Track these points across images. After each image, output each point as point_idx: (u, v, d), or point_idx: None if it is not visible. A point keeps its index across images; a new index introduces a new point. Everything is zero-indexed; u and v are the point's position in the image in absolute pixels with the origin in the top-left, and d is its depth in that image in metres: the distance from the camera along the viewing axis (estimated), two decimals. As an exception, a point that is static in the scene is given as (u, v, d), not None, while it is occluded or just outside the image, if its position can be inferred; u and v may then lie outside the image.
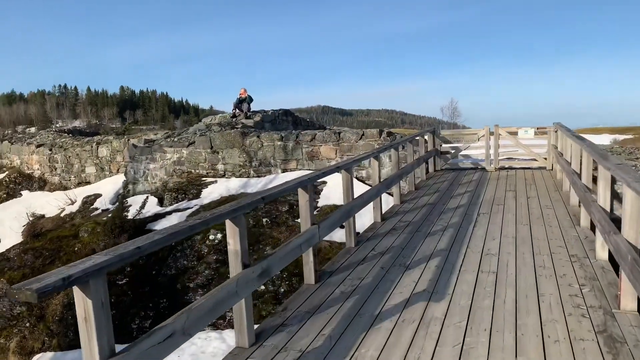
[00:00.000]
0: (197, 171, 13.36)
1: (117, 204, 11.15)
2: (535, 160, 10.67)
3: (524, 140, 10.65)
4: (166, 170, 13.73)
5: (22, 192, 17.64)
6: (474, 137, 10.85)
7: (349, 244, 5.68)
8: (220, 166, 13.06)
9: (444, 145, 11.08)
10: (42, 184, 17.87)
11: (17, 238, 15.02)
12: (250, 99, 18.02)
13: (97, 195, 15.78)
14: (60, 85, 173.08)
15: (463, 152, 11.14)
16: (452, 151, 11.10)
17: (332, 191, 11.20)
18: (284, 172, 12.44)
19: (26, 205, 16.64)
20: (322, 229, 4.91)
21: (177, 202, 12.28)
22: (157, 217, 11.66)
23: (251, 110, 18.09)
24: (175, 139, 14.09)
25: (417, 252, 5.16)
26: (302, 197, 4.81)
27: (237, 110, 17.82)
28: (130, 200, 13.78)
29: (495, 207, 7.12)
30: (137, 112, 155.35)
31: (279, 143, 12.39)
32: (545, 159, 10.50)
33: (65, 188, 17.42)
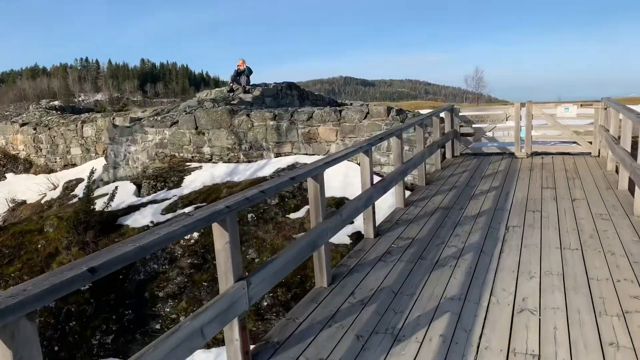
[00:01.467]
0: (182, 155, 11.76)
1: (83, 194, 9.66)
2: (576, 144, 8.70)
3: (564, 120, 8.67)
4: (148, 154, 12.18)
5: (6, 174, 16.40)
6: (501, 117, 8.92)
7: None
8: (206, 149, 11.44)
9: (464, 126, 9.19)
10: (27, 166, 16.58)
11: (-4, 226, 13.79)
12: (249, 71, 16.24)
13: (80, 180, 14.37)
14: (82, 59, 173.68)
15: (487, 134, 9.23)
16: (475, 133, 9.20)
17: (331, 180, 9.47)
18: (277, 156, 10.75)
19: (9, 189, 15.39)
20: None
21: (155, 192, 10.75)
22: (131, 209, 10.15)
23: (250, 83, 16.33)
24: (159, 118, 12.48)
25: (415, 303, 3.45)
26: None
27: (235, 84, 16.10)
28: (106, 188, 12.31)
29: (530, 215, 5.31)
30: (158, 84, 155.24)
31: (271, 123, 10.67)
32: (590, 142, 8.53)
33: (51, 170, 16.10)
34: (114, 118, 14.71)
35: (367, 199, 4.80)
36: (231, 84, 16.08)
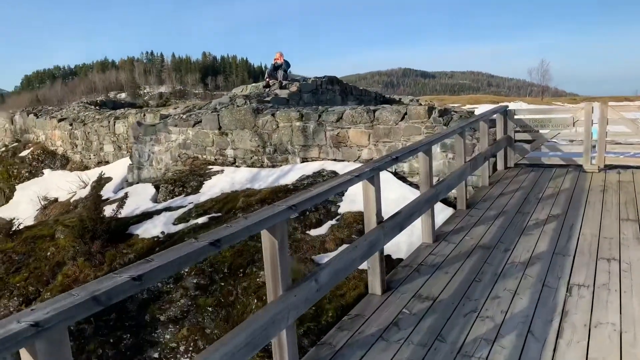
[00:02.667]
0: (205, 157, 10.87)
1: (91, 198, 8.96)
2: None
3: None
4: (171, 155, 11.39)
5: (44, 170, 16.28)
6: (567, 121, 7.27)
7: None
8: (229, 151, 10.47)
9: (520, 132, 7.61)
10: (64, 162, 16.39)
11: (28, 223, 13.57)
12: (287, 65, 15.17)
13: (108, 180, 13.89)
14: (147, 52, 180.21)
15: (549, 141, 7.62)
16: (533, 140, 7.62)
17: (360, 192, 8.23)
18: (303, 161, 9.61)
19: (44, 186, 15.21)
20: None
21: (172, 197, 9.92)
22: (144, 217, 9.37)
23: (288, 78, 15.25)
24: (184, 117, 11.65)
25: None
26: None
27: (272, 79, 15.08)
28: (129, 190, 11.65)
29: (603, 266, 3.86)
30: (219, 77, 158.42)
31: (297, 124, 9.52)
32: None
33: (86, 167, 15.81)
34: (144, 115, 14.09)
35: (369, 247, 3.56)
36: (267, 79, 15.09)
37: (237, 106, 12.13)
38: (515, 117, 7.45)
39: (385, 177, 8.44)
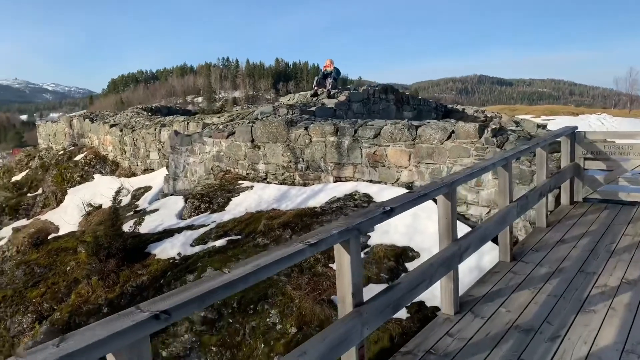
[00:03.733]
0: (237, 170, 10.18)
1: (109, 212, 8.46)
2: None
3: None
4: (205, 167, 10.81)
5: (94, 175, 16.41)
6: (656, 147, 5.74)
7: None
8: (261, 166, 9.70)
9: (591, 159, 6.15)
10: (114, 168, 16.44)
11: (72, 229, 13.59)
12: (337, 73, 14.28)
13: (148, 189, 13.64)
14: (223, 58, 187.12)
15: (631, 172, 6.10)
16: (609, 170, 6.14)
17: (393, 221, 7.13)
18: (336, 180, 8.63)
19: (92, 191, 15.26)
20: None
21: (197, 214, 9.28)
22: (165, 234, 8.80)
23: (337, 87, 14.34)
24: (220, 127, 11.05)
25: None
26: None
27: (320, 88, 14.24)
28: (159, 203, 11.19)
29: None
30: (290, 83, 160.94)
31: (331, 139, 8.56)
32: None
33: (133, 174, 15.73)
34: (187, 124, 13.70)
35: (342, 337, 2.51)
36: (315, 88, 14.24)
37: (279, 116, 11.38)
38: (586, 140, 6.02)
39: (426, 204, 7.29)
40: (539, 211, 5.34)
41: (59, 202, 15.98)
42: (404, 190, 7.64)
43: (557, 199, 6.23)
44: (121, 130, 15.83)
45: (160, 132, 14.56)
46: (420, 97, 17.22)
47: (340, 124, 8.79)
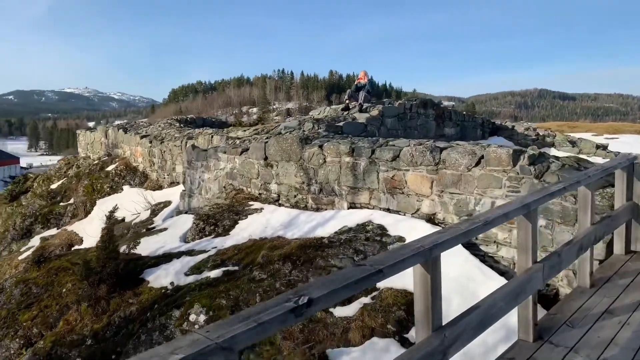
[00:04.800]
0: (249, 190, 9.38)
1: (105, 233, 7.83)
2: None
3: None
4: (219, 184, 10.11)
5: (123, 187, 16.18)
6: None
7: None
8: (273, 186, 8.85)
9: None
10: (143, 180, 16.15)
11: (94, 242, 13.28)
12: (371, 86, 13.32)
13: (167, 204, 13.14)
14: (279, 70, 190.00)
15: None
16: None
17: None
18: (351, 207, 7.63)
19: (119, 203, 14.96)
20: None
21: (201, 237, 8.55)
22: (163, 259, 8.11)
23: (371, 100, 13.35)
24: (237, 142, 10.33)
25: None
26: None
27: (352, 101, 13.30)
28: (170, 222, 10.57)
29: None
30: (342, 95, 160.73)
31: (347, 160, 7.59)
32: None
33: (160, 187, 15.35)
34: (212, 137, 13.10)
35: None
36: (347, 101, 13.31)
37: (303, 131, 10.55)
38: (650, 173, 4.73)
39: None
40: (580, 266, 4.13)
41: (87, 212, 15.83)
42: (422, 224, 6.54)
43: (609, 245, 4.96)
44: (150, 142, 15.52)
45: (186, 145, 14.07)
46: (464, 112, 15.87)
47: (358, 142, 7.80)
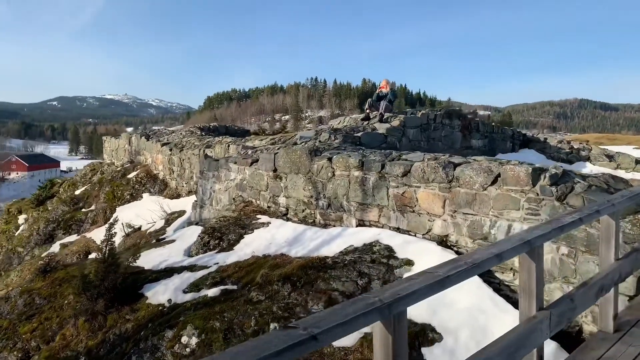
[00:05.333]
0: (258, 202, 9.03)
1: (104, 245, 7.57)
2: None
3: None
4: (229, 195, 9.80)
5: (143, 194, 16.12)
6: None
7: None
8: (282, 199, 8.47)
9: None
10: (162, 187, 16.07)
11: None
12: (393, 95, 12.82)
13: (182, 213, 12.93)
14: (311, 78, 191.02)
15: None
16: None
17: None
18: (359, 224, 7.15)
19: (137, 211, 14.91)
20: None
21: (205, 252, 8.23)
22: (163, 274, 7.82)
23: (392, 110, 12.85)
24: (249, 152, 10.00)
25: None
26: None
27: (372, 111, 12.83)
28: (179, 233, 10.31)
29: None
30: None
31: (356, 174, 7.13)
32: None
33: (179, 195, 15.21)
34: (228, 146, 12.85)
35: None
36: (367, 110, 12.84)
37: (319, 141, 10.17)
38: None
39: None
40: (601, 308, 3.55)
41: (106, 219, 15.82)
42: (432, 246, 6.01)
43: (638, 287, 4.32)
44: (170, 150, 15.43)
45: (204, 153, 13.89)
46: (492, 124, 15.13)
47: (370, 155, 7.33)
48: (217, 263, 7.53)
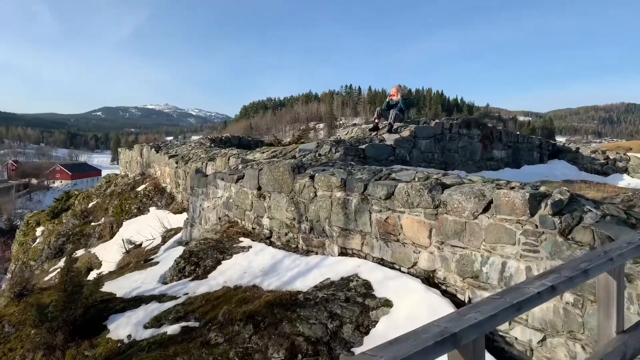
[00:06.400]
0: (243, 223, 8.26)
1: (64, 273, 6.92)
2: None
3: None
4: (217, 214, 9.07)
5: (150, 208, 15.66)
6: None
7: None
8: (265, 220, 7.67)
9: None
10: (169, 201, 15.55)
11: (112, 267, 12.75)
12: (405, 104, 11.89)
13: (178, 230, 12.29)
14: (346, 86, 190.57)
15: None
16: None
17: (401, 322, 4.57)
18: (341, 253, 6.26)
19: (141, 226, 14.43)
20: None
21: (180, 278, 7.51)
22: (134, 303, 7.14)
23: (403, 119, 11.89)
24: (240, 167, 9.26)
25: None
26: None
27: (382, 120, 11.92)
28: (166, 254, 9.65)
29: None
30: (411, 110, 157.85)
31: (338, 195, 6.25)
32: None
33: (184, 209, 14.63)
34: (228, 159, 12.17)
35: None
36: (376, 120, 11.93)
37: (320, 154, 9.41)
38: None
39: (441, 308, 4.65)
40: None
41: (112, 234, 15.44)
42: (416, 284, 5.04)
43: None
44: (177, 162, 14.91)
45: (207, 166, 13.27)
46: (517, 133, 13.86)
47: (357, 173, 6.43)
48: (187, 293, 6.79)
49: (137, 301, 7.13)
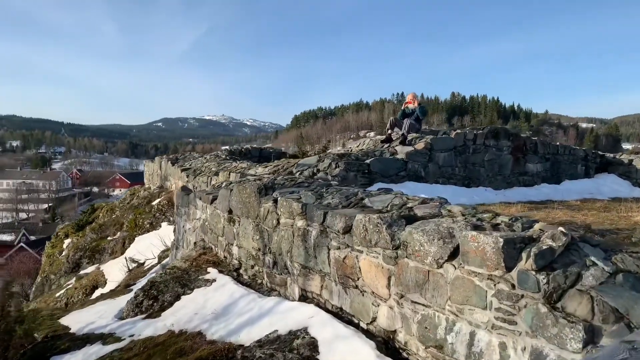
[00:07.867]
0: (216, 250, 7.28)
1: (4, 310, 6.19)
2: None
3: None
4: (196, 237, 8.14)
5: (162, 223, 15.06)
6: None
7: None
8: (234, 249, 6.65)
9: None
10: (181, 217, 14.85)
11: (113, 286, 12.17)
12: (422, 112, 10.56)
13: (175, 250, 11.48)
14: (397, 94, 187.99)
15: None
16: None
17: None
18: (301, 296, 5.12)
19: (150, 242, 13.82)
20: None
21: (135, 315, 6.59)
22: (79, 343, 6.27)
23: (419, 130, 10.58)
24: (223, 186, 8.30)
25: None
26: None
27: (395, 131, 10.68)
28: (144, 281, 8.81)
29: None
30: (465, 117, 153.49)
31: (299, 224, 5.13)
32: None
33: (193, 226, 13.89)
34: (230, 173, 11.28)
35: None
36: (389, 131, 10.67)
37: (320, 170, 8.38)
38: None
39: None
40: None
41: (124, 250, 14.93)
42: (367, 350, 3.80)
43: None
44: (187, 176, 14.22)
45: (211, 181, 12.47)
46: (557, 144, 12.12)
47: (328, 197, 5.28)
48: (132, 335, 5.85)
49: (84, 340, 6.28)
